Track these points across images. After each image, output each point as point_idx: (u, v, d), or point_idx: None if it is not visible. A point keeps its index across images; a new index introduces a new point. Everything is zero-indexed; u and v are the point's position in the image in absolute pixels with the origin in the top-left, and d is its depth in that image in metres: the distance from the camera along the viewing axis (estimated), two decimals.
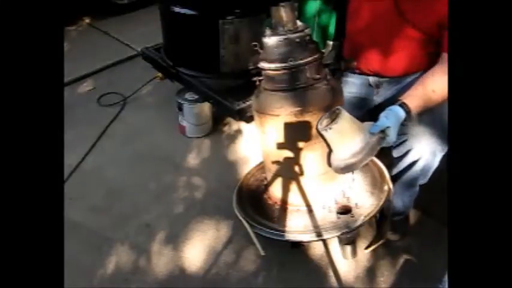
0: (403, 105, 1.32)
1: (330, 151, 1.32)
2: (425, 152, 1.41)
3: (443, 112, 1.29)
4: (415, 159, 1.44)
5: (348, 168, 1.31)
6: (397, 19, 1.50)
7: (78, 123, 2.49)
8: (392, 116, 1.29)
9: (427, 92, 1.35)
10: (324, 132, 1.27)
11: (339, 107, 1.31)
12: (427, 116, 1.39)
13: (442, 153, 1.42)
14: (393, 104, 1.34)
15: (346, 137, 1.27)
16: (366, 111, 1.66)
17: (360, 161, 1.27)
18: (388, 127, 1.27)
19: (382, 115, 1.31)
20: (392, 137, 1.29)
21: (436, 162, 1.44)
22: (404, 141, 1.45)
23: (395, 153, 1.51)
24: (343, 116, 1.26)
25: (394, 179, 1.56)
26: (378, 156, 1.52)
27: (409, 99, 1.33)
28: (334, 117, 1.27)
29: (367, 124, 1.31)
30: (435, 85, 1.35)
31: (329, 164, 1.36)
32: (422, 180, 1.51)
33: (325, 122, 1.28)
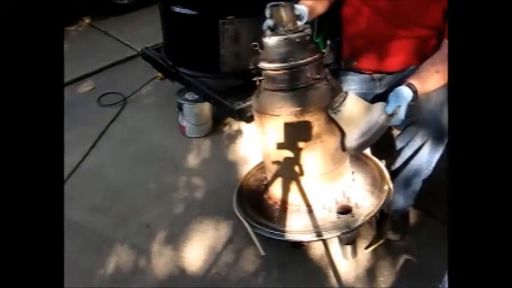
0: (410, 86, 1.34)
1: (343, 135, 1.39)
2: (431, 134, 1.42)
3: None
4: (422, 142, 1.44)
5: (360, 148, 1.38)
6: (397, 22, 1.50)
7: (78, 123, 2.49)
8: (401, 95, 1.33)
9: (431, 73, 1.38)
10: (333, 115, 1.34)
11: (346, 90, 1.38)
12: (433, 99, 1.40)
13: (447, 140, 1.42)
14: (400, 85, 1.36)
15: (355, 117, 1.35)
16: None
17: (370, 139, 1.33)
18: (398, 106, 1.31)
19: (392, 95, 1.34)
20: (401, 115, 1.32)
21: (440, 148, 1.44)
22: (408, 126, 1.46)
23: (400, 143, 1.52)
24: (350, 98, 1.35)
25: (397, 172, 1.56)
26: (379, 154, 1.52)
27: (414, 80, 1.36)
28: (342, 101, 1.34)
29: (375, 104, 1.35)
30: (438, 66, 1.38)
31: (343, 148, 1.42)
32: (427, 170, 1.51)
33: (334, 105, 1.34)
